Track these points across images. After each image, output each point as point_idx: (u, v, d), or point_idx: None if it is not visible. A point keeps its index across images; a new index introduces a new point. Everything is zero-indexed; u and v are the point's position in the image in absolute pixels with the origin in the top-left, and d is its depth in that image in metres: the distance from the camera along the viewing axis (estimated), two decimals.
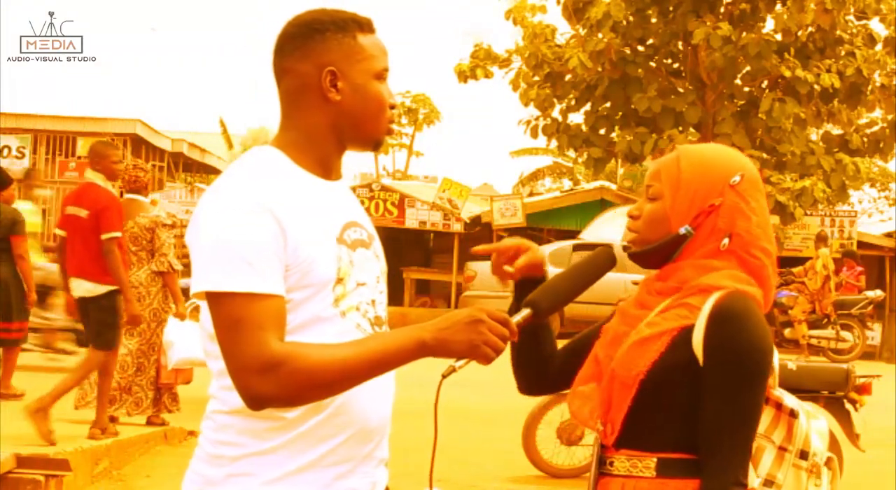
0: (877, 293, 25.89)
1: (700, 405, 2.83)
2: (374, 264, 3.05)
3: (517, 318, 2.88)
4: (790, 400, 2.98)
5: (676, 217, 2.98)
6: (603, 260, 3.11)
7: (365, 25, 2.98)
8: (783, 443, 2.95)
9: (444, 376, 2.77)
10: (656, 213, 3.02)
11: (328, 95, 2.92)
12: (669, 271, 3.00)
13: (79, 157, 33.31)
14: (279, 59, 2.99)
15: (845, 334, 24.42)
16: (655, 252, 3.02)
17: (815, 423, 3.04)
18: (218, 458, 2.87)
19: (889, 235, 31.60)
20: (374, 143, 3.02)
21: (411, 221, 30.71)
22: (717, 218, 2.96)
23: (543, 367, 3.28)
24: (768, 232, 3.03)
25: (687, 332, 2.85)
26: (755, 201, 3.00)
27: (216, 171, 42.97)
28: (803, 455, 2.99)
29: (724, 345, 2.80)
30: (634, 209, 3.09)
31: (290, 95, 2.99)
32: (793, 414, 2.99)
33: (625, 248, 3.12)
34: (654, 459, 2.88)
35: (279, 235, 2.74)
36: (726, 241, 2.95)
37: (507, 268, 3.15)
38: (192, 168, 41.18)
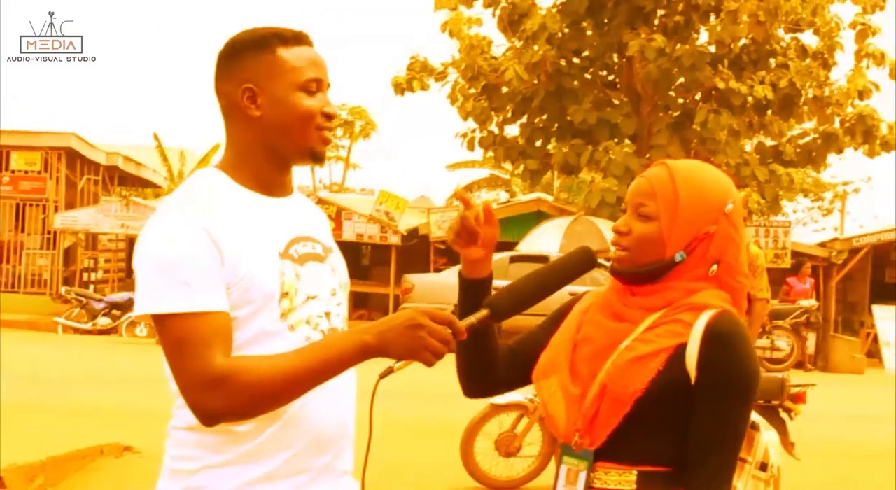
0: (811, 302, 26.14)
1: (687, 422, 2.84)
2: (329, 277, 3.07)
3: (472, 319, 2.87)
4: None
5: (672, 243, 2.95)
6: (580, 261, 3.04)
7: (290, 39, 3.00)
8: (742, 454, 2.97)
9: (381, 377, 2.77)
10: (650, 235, 2.97)
11: (248, 112, 2.95)
12: (653, 290, 2.98)
13: (12, 172, 32.99)
14: (215, 82, 3.04)
15: (780, 343, 24.64)
16: (645, 274, 2.99)
17: (768, 435, 3.06)
18: (177, 473, 2.91)
19: (822, 245, 31.91)
20: (309, 155, 3.00)
21: (348, 234, 30.61)
22: (710, 245, 2.95)
23: (489, 370, 3.23)
24: (744, 256, 3.04)
25: (680, 349, 2.85)
26: (741, 228, 3.02)
27: (152, 185, 42.72)
28: (762, 467, 3.01)
29: (721, 366, 2.81)
30: (622, 224, 3.03)
31: (223, 116, 3.03)
32: (754, 426, 3.02)
33: (611, 267, 3.06)
34: (635, 473, 2.88)
35: (214, 253, 2.77)
36: (715, 267, 2.96)
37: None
38: (127, 182, 40.90)
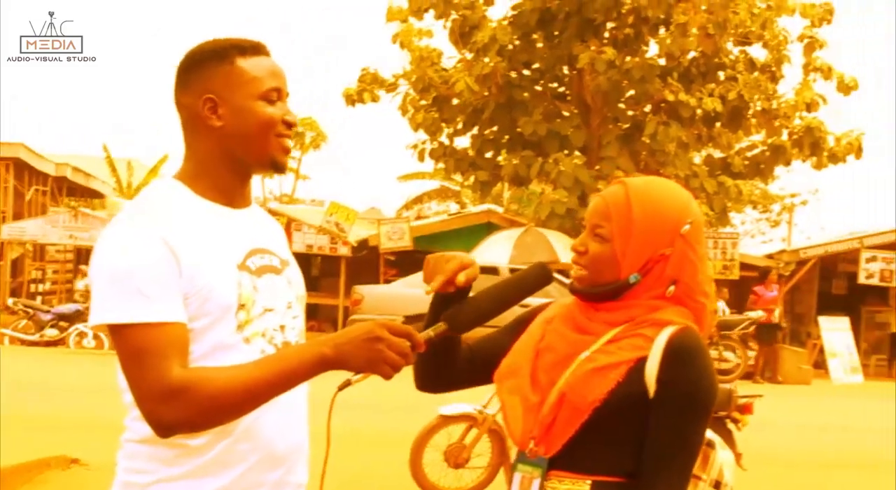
0: (759, 314, 26.27)
1: (644, 434, 2.84)
2: (285, 290, 3.07)
3: (430, 332, 2.88)
4: (707, 431, 3.00)
5: (627, 265, 2.95)
6: (536, 277, 3.05)
7: (248, 49, 3.00)
8: (697, 471, 2.98)
9: (339, 388, 2.77)
10: (605, 256, 2.97)
11: (209, 122, 2.95)
12: (615, 306, 2.99)
13: None
14: (174, 95, 3.03)
15: (728, 355, 24.75)
16: (601, 294, 2.99)
17: (724, 454, 3.07)
18: (129, 485, 2.90)
19: (770, 257, 32.11)
20: (270, 164, 3.01)
21: (298, 245, 30.51)
22: (666, 266, 2.95)
23: (448, 370, 3.23)
24: (708, 273, 3.04)
25: (640, 363, 2.85)
26: (700, 246, 3.01)
27: (101, 196, 42.47)
28: (717, 485, 3.02)
29: (680, 382, 2.81)
30: (579, 244, 3.04)
31: (183, 127, 3.03)
32: (710, 445, 3.03)
33: (571, 285, 3.06)
34: (589, 482, 2.88)
35: (172, 264, 2.76)
36: (672, 288, 2.96)
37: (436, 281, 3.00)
38: (76, 192, 40.69)
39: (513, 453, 3.03)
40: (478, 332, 3.14)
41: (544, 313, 3.21)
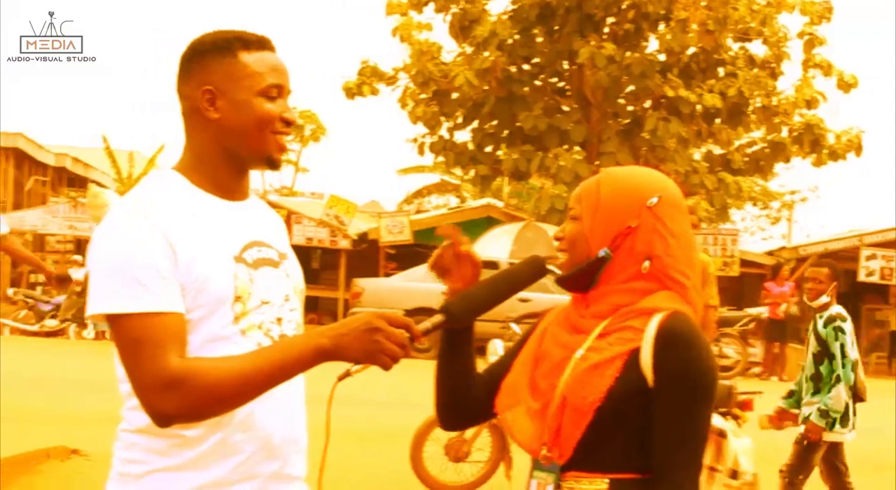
0: (759, 310, 26.23)
1: (651, 425, 2.83)
2: (283, 283, 3.06)
3: (427, 324, 2.87)
4: (718, 420, 2.98)
5: (595, 239, 2.96)
6: (531, 269, 3.06)
7: (253, 44, 2.98)
8: (713, 462, 2.96)
9: (339, 378, 2.78)
10: (576, 234, 3.00)
11: (206, 114, 2.94)
12: (598, 296, 2.98)
13: None
14: (176, 84, 3.02)
15: (728, 351, 24.70)
16: (578, 275, 2.99)
17: (740, 442, 3.05)
18: (125, 476, 2.90)
19: (770, 253, 32.09)
20: (265, 160, 2.99)
21: (298, 238, 30.49)
22: (635, 240, 2.94)
23: (466, 399, 3.23)
24: (690, 254, 3.00)
25: (634, 354, 2.84)
26: (674, 223, 2.98)
27: (101, 187, 42.37)
28: (734, 475, 3.00)
29: (675, 366, 2.80)
30: (559, 231, 3.07)
31: (183, 118, 3.02)
32: (721, 434, 3.01)
33: (554, 275, 3.07)
34: (607, 481, 2.86)
35: (169, 254, 2.76)
36: (647, 263, 2.93)
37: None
38: (75, 183, 40.64)
39: (514, 448, 3.03)
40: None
41: (544, 320, 3.21)
